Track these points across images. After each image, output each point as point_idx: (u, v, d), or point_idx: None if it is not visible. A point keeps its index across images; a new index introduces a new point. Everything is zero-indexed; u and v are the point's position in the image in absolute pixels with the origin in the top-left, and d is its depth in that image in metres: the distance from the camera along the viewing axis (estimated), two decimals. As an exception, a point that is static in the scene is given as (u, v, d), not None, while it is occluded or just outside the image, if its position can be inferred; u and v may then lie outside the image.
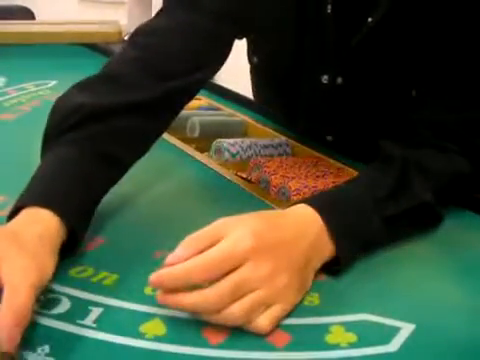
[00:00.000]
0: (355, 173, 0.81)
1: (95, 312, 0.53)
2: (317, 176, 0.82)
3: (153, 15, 0.80)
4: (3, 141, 0.92)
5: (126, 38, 1.49)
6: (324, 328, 0.53)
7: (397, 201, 0.66)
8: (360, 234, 0.62)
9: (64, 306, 0.54)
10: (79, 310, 0.53)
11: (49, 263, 0.53)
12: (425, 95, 0.78)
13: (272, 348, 0.50)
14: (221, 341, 0.50)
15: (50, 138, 0.66)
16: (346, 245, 0.60)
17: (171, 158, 0.89)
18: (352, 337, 0.52)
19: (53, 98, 0.70)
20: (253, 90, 1.11)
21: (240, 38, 0.89)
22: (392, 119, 0.82)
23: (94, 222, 0.65)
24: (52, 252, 0.55)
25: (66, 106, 0.67)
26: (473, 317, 0.56)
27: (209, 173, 0.84)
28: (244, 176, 0.85)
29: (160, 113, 0.72)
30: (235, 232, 0.53)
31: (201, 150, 0.93)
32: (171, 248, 0.52)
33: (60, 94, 0.70)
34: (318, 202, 0.62)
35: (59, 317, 0.52)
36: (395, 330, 0.53)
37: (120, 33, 1.55)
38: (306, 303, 0.56)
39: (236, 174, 0.86)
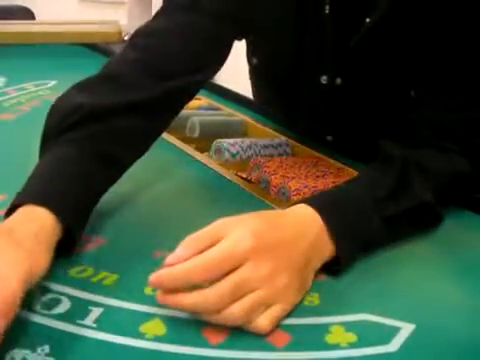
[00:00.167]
0: (355, 173, 0.81)
1: (95, 312, 0.53)
2: (317, 176, 0.82)
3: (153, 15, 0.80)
4: (3, 141, 0.92)
5: (126, 38, 1.49)
6: (324, 328, 0.53)
7: (397, 201, 0.66)
8: (360, 234, 0.62)
9: (64, 306, 0.54)
10: (79, 310, 0.53)
11: (43, 260, 0.54)
12: (425, 95, 0.78)
13: (272, 348, 0.50)
14: (221, 341, 0.50)
15: (49, 138, 0.66)
16: (346, 245, 0.60)
17: (171, 158, 0.89)
18: (352, 337, 0.52)
19: (53, 98, 0.70)
20: (253, 90, 1.11)
21: (240, 39, 0.89)
22: (392, 119, 0.82)
23: (94, 222, 0.65)
24: (47, 250, 0.55)
25: (65, 106, 0.67)
26: (473, 317, 0.56)
27: (209, 173, 0.84)
28: (244, 176, 0.85)
29: (160, 113, 0.72)
30: (235, 232, 0.53)
31: (201, 150, 0.93)
32: (171, 248, 0.52)
33: (60, 94, 0.70)
34: (318, 202, 0.62)
35: (59, 317, 0.52)
36: (395, 330, 0.53)
37: (120, 33, 1.55)
38: (306, 303, 0.56)
39: (236, 174, 0.86)
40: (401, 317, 0.55)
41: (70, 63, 1.37)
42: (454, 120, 0.75)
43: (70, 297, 0.55)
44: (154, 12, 0.80)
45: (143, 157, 0.72)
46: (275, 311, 0.52)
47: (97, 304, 0.54)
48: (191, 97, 0.78)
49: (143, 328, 0.52)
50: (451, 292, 0.60)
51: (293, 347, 0.50)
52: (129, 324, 0.52)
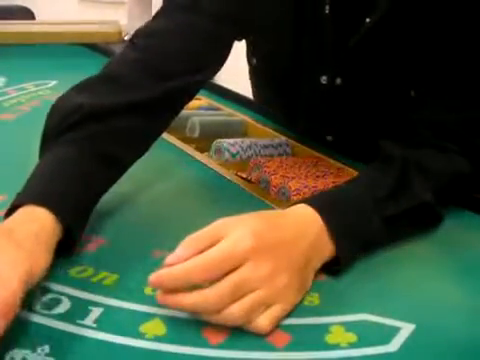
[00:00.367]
0: (355, 173, 0.81)
1: (95, 312, 0.53)
2: (317, 176, 0.82)
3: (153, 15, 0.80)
4: (3, 141, 0.92)
5: (126, 38, 1.49)
6: (324, 328, 0.53)
7: (397, 201, 0.66)
8: (360, 234, 0.62)
9: (64, 306, 0.54)
10: (79, 310, 0.53)
11: (43, 260, 0.54)
12: (425, 95, 0.78)
13: (272, 348, 0.50)
14: (221, 341, 0.50)
15: (49, 138, 0.66)
16: (346, 245, 0.60)
17: (171, 158, 0.89)
18: (352, 337, 0.52)
19: (53, 98, 0.70)
20: (253, 90, 1.11)
21: (239, 39, 0.89)
22: (392, 119, 0.82)
23: (94, 222, 0.65)
24: (47, 250, 0.55)
25: (65, 106, 0.67)
26: (473, 317, 0.56)
27: (209, 173, 0.84)
28: (244, 176, 0.85)
29: (160, 113, 0.72)
30: (235, 232, 0.53)
31: (201, 150, 0.93)
32: (171, 248, 0.52)
33: (60, 94, 0.70)
34: (318, 202, 0.62)
35: (59, 317, 0.52)
36: (395, 330, 0.53)
37: (120, 33, 1.55)
38: (306, 303, 0.56)
39: (236, 174, 0.86)
40: (401, 317, 0.55)
41: (70, 63, 1.37)
42: (454, 120, 0.75)
43: (70, 297, 0.55)
44: (154, 12, 0.80)
45: (143, 157, 0.72)
46: (275, 311, 0.52)
47: (97, 304, 0.54)
48: (191, 97, 0.78)
49: (143, 328, 0.52)
50: (451, 292, 0.60)
51: (293, 347, 0.50)
52: (129, 324, 0.52)
